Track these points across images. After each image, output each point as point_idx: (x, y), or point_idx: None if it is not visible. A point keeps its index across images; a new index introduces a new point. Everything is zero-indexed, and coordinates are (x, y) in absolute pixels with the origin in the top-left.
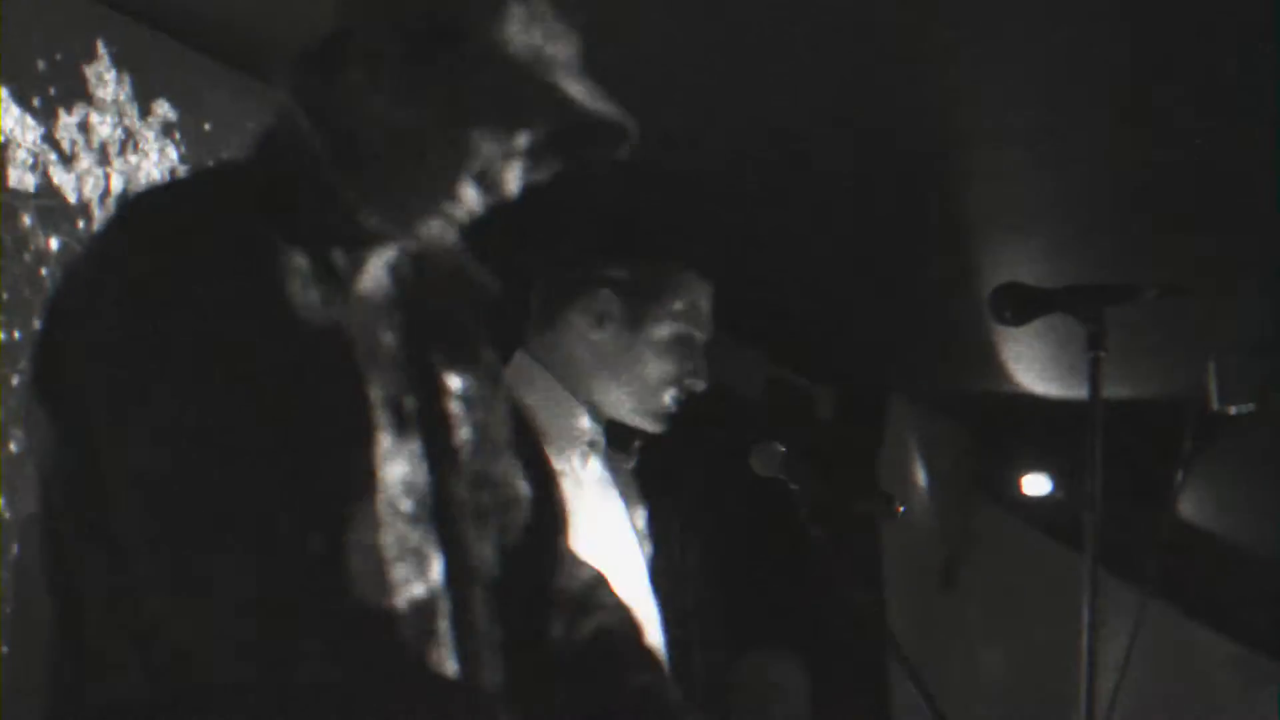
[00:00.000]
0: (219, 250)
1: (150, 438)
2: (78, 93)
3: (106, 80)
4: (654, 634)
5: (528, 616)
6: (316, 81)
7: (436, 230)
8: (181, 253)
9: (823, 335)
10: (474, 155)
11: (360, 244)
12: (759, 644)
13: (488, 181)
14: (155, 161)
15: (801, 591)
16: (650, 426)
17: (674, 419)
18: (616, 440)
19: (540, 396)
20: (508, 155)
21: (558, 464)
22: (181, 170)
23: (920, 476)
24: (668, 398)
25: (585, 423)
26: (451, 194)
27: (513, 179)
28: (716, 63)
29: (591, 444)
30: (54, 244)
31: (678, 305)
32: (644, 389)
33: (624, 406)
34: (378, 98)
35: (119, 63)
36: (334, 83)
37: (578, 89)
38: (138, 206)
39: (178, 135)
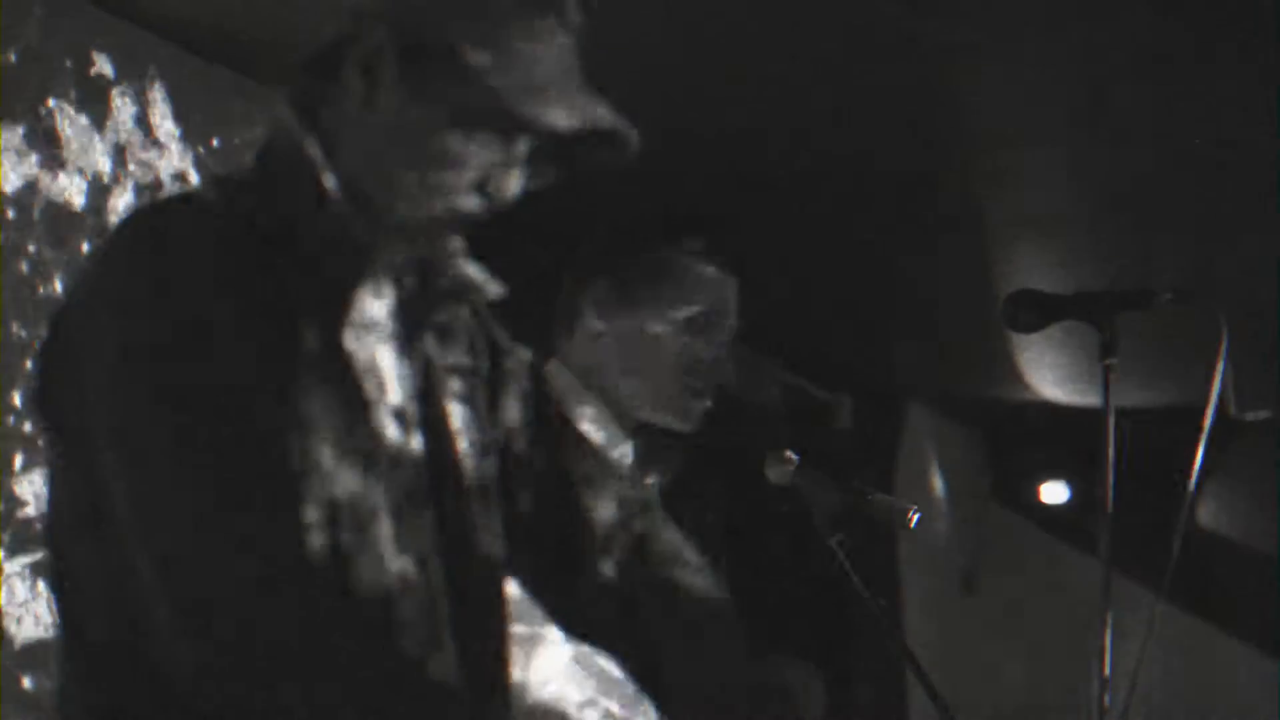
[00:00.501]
0: (217, 265)
1: (149, 450)
2: (81, 100)
3: (113, 89)
4: None
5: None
6: (314, 92)
7: (437, 238)
8: (178, 268)
9: (840, 343)
10: (472, 164)
11: (359, 254)
12: (775, 651)
13: (487, 189)
14: (164, 169)
15: (817, 599)
16: (676, 423)
17: (704, 417)
18: (648, 450)
19: (570, 407)
20: (507, 163)
21: None
22: (192, 179)
23: (938, 485)
24: (685, 388)
25: (613, 435)
26: (450, 202)
27: (512, 186)
28: (724, 67)
29: (646, 455)
30: (56, 253)
31: (680, 291)
32: (658, 380)
33: (645, 402)
34: (375, 108)
35: (122, 71)
36: (332, 93)
37: (577, 96)
38: (137, 223)
39: (186, 145)
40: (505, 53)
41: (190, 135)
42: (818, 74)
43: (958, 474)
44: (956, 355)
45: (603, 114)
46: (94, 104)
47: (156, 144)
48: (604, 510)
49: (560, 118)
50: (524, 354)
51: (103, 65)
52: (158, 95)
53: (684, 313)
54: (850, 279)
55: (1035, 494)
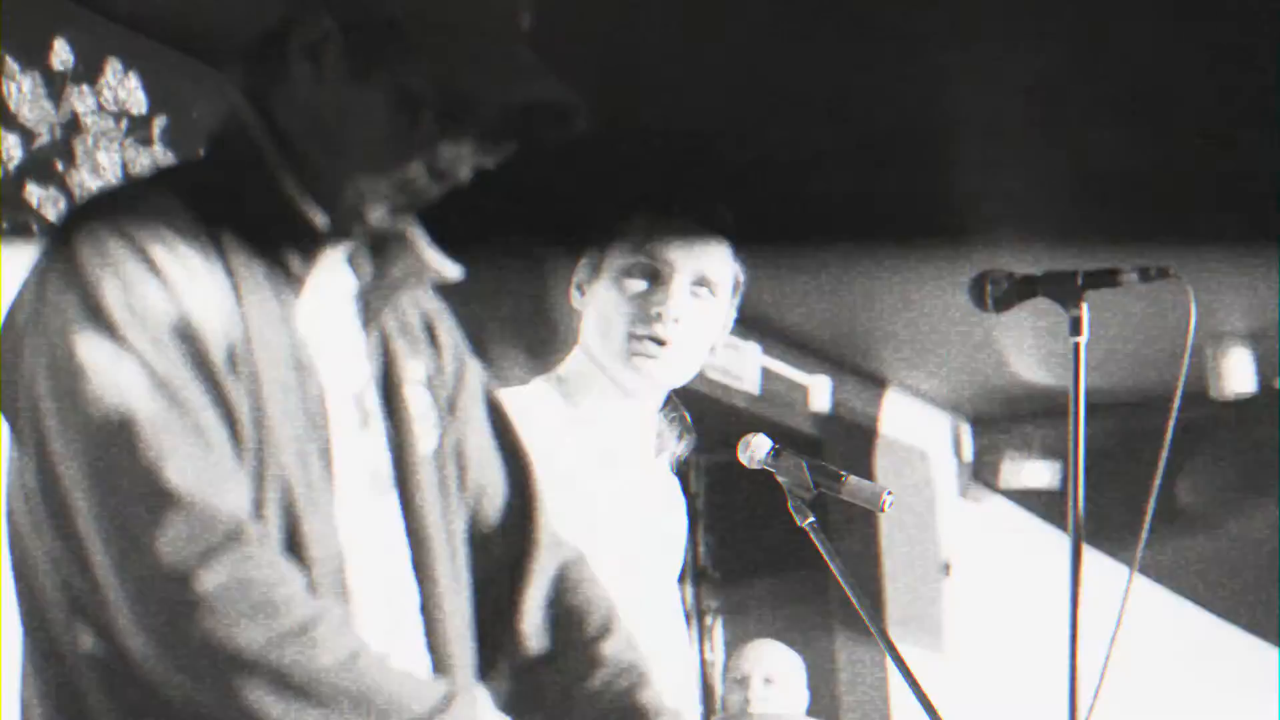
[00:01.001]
0: (166, 256)
1: (104, 445)
2: (41, 86)
3: (72, 75)
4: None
5: (500, 601)
6: (262, 76)
7: (389, 220)
8: (128, 261)
9: (818, 327)
10: (422, 143)
11: (312, 239)
12: (755, 635)
13: (438, 168)
14: (125, 156)
15: (795, 583)
16: (620, 372)
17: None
18: (670, 424)
19: (603, 396)
20: (457, 140)
21: (631, 465)
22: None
23: (919, 466)
24: (628, 336)
25: (632, 414)
26: (401, 183)
27: (463, 164)
28: (702, 51)
29: (659, 435)
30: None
31: (628, 246)
32: (608, 331)
33: (607, 357)
34: (323, 90)
35: (82, 57)
36: (279, 77)
37: (525, 71)
38: (85, 214)
39: (148, 132)
40: (449, 28)
41: (152, 122)
42: (810, 63)
43: (939, 455)
44: (938, 337)
45: (552, 88)
46: (54, 89)
47: (118, 132)
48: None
49: (508, 94)
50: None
51: (63, 52)
52: (119, 81)
53: (627, 267)
54: (829, 262)
55: (1017, 475)
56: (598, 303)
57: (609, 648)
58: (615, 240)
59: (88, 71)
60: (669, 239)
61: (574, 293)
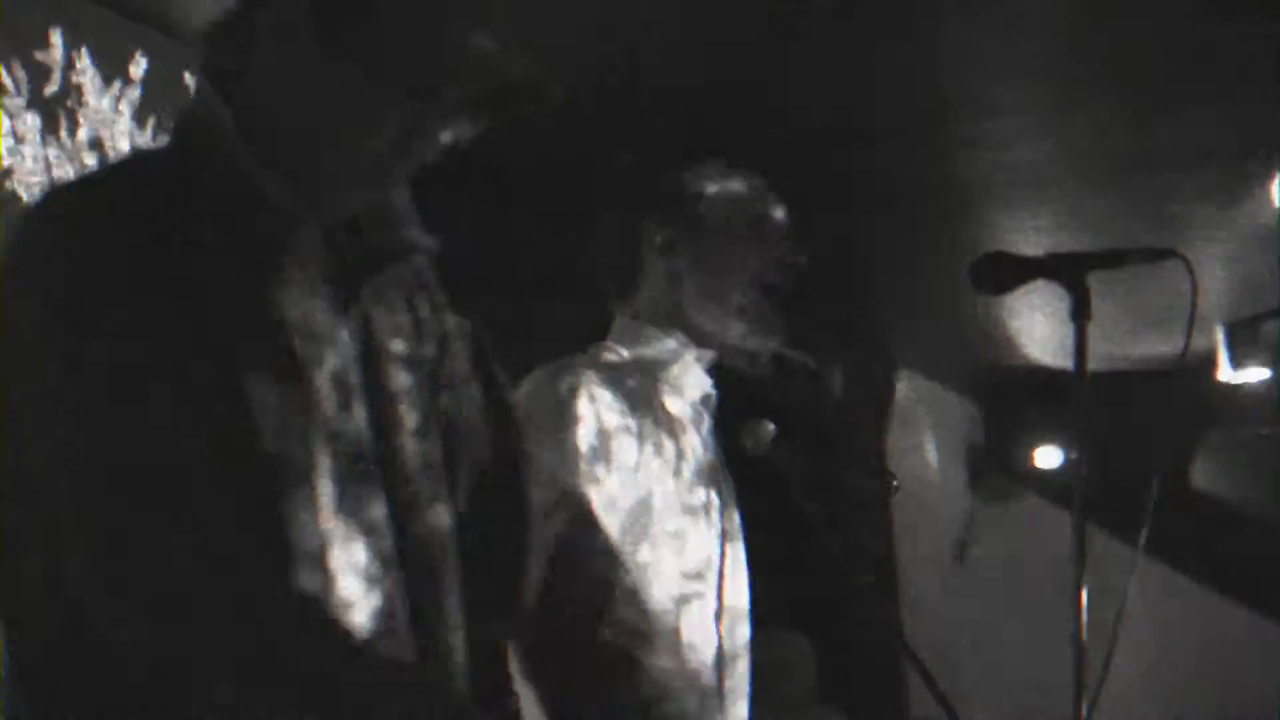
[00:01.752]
0: (135, 246)
1: (80, 430)
2: (36, 80)
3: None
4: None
5: (488, 579)
6: (228, 57)
7: (362, 198)
8: (96, 250)
9: (831, 311)
10: (393, 121)
11: (286, 219)
12: (765, 622)
13: (410, 145)
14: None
15: (803, 569)
16: (759, 342)
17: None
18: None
19: (656, 353)
20: (428, 117)
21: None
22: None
23: (931, 451)
24: (754, 293)
25: (704, 380)
26: (373, 161)
27: (435, 142)
28: (702, 30)
29: (704, 400)
30: None
31: (734, 206)
32: (738, 298)
33: (727, 326)
34: (291, 70)
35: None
36: (246, 58)
37: (496, 46)
38: (51, 205)
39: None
40: (420, 6)
41: (154, 114)
42: (818, 46)
43: (951, 441)
44: (951, 321)
45: (523, 67)
46: (49, 82)
47: (121, 123)
48: (544, 482)
49: (479, 69)
50: (460, 321)
51: (55, 44)
52: (118, 66)
53: (746, 226)
54: (840, 248)
55: (1029, 459)
56: (709, 265)
57: (613, 602)
58: (693, 196)
59: (81, 58)
60: (756, 193)
61: (654, 259)
